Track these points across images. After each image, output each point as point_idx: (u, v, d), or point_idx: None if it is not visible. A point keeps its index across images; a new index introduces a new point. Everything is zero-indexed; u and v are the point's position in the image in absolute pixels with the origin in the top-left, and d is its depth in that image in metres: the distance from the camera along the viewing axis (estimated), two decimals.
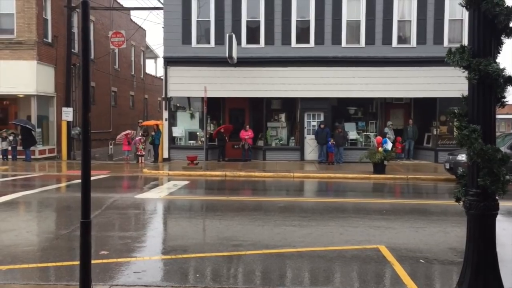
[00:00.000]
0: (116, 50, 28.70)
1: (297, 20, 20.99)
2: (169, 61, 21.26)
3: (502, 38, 3.78)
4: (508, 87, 3.71)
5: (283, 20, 20.88)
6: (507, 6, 3.69)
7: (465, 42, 4.08)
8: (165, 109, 21.75)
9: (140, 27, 31.83)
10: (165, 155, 21.38)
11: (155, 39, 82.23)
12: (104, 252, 6.83)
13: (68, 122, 22.32)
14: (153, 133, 21.34)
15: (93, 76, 25.24)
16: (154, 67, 44.92)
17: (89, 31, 4.38)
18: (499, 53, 3.87)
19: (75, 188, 13.65)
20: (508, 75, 3.66)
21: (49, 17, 22.47)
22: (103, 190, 13.21)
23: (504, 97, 3.79)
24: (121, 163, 21.09)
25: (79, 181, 4.27)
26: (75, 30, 23.76)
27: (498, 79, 3.58)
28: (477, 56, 3.68)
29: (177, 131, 21.87)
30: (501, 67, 3.65)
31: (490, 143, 3.68)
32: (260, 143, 21.93)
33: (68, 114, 22.15)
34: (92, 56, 26.17)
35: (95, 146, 25.37)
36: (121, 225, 9.21)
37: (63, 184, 15.11)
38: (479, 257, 3.74)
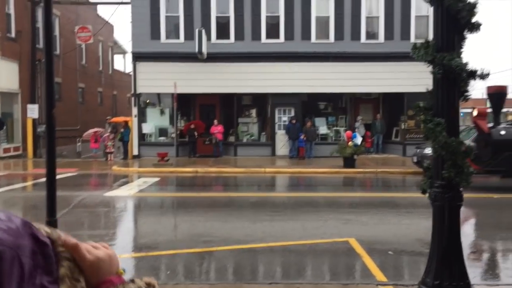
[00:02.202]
0: (83, 46, 28.04)
1: (266, 16, 20.99)
2: (138, 57, 20.95)
3: (465, 33, 3.86)
4: (471, 81, 3.80)
5: (253, 16, 20.85)
6: (469, 1, 3.77)
7: (431, 38, 4.16)
8: (134, 106, 21.44)
9: (107, 22, 31.21)
10: (135, 152, 21.08)
11: (124, 34, 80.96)
12: None
13: (34, 119, 21.74)
14: (122, 130, 21.00)
15: (59, 72, 24.63)
16: (122, 63, 44.21)
17: (51, 25, 4.27)
18: (462, 47, 3.96)
19: (41, 187, 13.27)
20: (470, 69, 3.75)
21: (12, 11, 21.79)
22: (71, 188, 12.94)
23: (467, 91, 3.88)
24: (90, 161, 20.69)
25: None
26: (40, 25, 23.11)
27: (461, 73, 3.67)
28: (441, 51, 3.76)
29: (147, 128, 21.60)
30: (464, 61, 3.74)
31: (454, 136, 3.77)
32: (231, 139, 21.89)
33: (33, 111, 21.54)
34: (58, 52, 25.53)
35: (62, 144, 24.78)
36: (90, 223, 9.05)
37: (29, 183, 14.73)
38: (444, 247, 3.83)
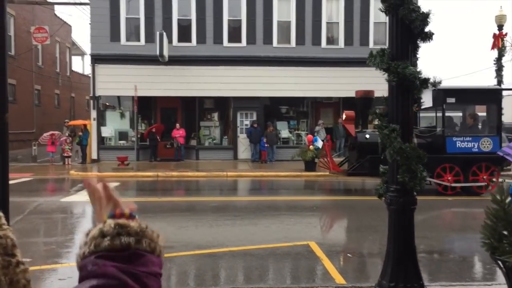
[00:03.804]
0: (39, 47, 27.25)
1: (228, 19, 21.02)
2: (97, 59, 20.52)
3: (418, 42, 4.00)
4: (424, 88, 3.93)
5: (214, 19, 20.83)
6: (423, 12, 3.91)
7: (388, 44, 4.28)
8: (93, 108, 20.98)
9: (65, 22, 30.45)
10: (94, 156, 20.62)
11: (82, 35, 79.12)
12: (27, 259, 6.46)
13: None
14: (80, 133, 20.50)
15: (13, 73, 23.83)
16: (81, 65, 43.11)
17: (6, 25, 4.12)
18: (416, 56, 4.10)
19: None
20: (423, 77, 3.89)
21: None
22: (26, 194, 12.51)
23: (421, 98, 4.02)
24: (46, 165, 20.07)
25: None
26: None
27: (415, 81, 3.79)
28: (396, 59, 3.88)
29: (107, 131, 21.17)
30: (418, 69, 3.87)
31: (409, 141, 3.89)
32: (193, 142, 21.75)
33: None
34: (13, 52, 24.69)
35: (17, 148, 23.98)
36: (46, 230, 8.78)
37: None
38: (399, 249, 3.95)
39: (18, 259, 0.88)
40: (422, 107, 13.55)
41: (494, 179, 12.25)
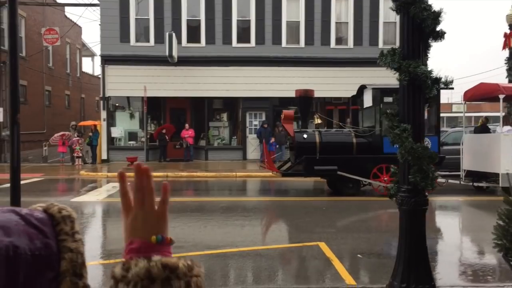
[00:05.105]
0: (50, 48, 27.45)
1: (237, 20, 21.04)
2: (107, 60, 20.64)
3: (430, 41, 3.97)
4: (435, 88, 3.90)
5: (223, 20, 20.86)
6: (434, 10, 3.88)
7: (398, 44, 4.25)
8: (103, 109, 21.10)
9: (75, 23, 30.64)
10: (104, 157, 20.73)
11: (92, 36, 79.72)
12: None
13: None
14: (90, 134, 20.63)
15: (24, 75, 24.01)
16: (91, 66, 43.41)
17: (17, 27, 4.16)
18: (427, 55, 4.06)
19: (5, 193, 12.89)
20: (435, 76, 3.85)
21: None
22: (36, 194, 12.61)
23: (432, 98, 3.98)
24: (56, 165, 20.23)
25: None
26: (5, 26, 22.48)
27: (426, 81, 3.76)
28: (407, 58, 3.85)
29: (116, 132, 21.28)
30: (429, 69, 3.84)
31: (420, 141, 3.86)
32: (202, 143, 21.80)
33: None
34: (24, 54, 24.90)
35: (28, 148, 24.16)
36: None
37: None
38: (410, 251, 3.91)
39: (85, 282, 0.78)
40: (364, 106, 13.31)
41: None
